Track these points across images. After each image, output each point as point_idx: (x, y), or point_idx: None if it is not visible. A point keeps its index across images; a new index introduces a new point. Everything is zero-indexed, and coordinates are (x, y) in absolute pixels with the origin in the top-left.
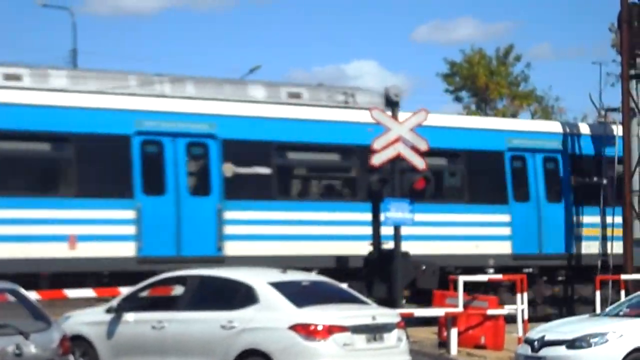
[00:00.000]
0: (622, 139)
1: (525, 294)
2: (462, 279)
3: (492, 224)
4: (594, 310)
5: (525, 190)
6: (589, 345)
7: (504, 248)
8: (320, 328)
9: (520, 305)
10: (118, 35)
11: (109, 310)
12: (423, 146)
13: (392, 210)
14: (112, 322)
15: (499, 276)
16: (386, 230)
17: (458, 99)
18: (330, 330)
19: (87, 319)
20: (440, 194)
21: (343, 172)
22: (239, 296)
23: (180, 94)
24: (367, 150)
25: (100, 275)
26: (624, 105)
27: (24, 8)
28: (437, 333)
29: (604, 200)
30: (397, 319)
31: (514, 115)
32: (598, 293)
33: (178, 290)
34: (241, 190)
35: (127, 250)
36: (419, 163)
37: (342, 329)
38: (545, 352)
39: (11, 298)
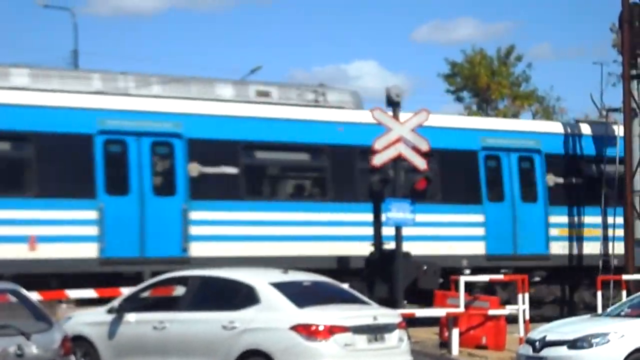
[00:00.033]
0: (624, 139)
1: (527, 294)
2: (463, 279)
3: (466, 224)
4: (595, 310)
5: (500, 190)
6: (591, 346)
7: (478, 249)
8: (321, 328)
9: (521, 306)
10: (118, 36)
11: (110, 311)
12: (424, 146)
13: (393, 211)
14: (113, 322)
15: (500, 276)
16: (364, 231)
17: (459, 100)
18: (331, 330)
19: (88, 320)
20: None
21: (313, 171)
22: (240, 296)
23: (145, 92)
24: (338, 150)
25: (63, 277)
26: (626, 106)
27: (25, 8)
28: (439, 333)
29: (583, 200)
30: (398, 319)
31: (515, 115)
32: (599, 293)
33: (179, 290)
34: (207, 190)
35: (89, 251)
36: (420, 163)
37: (343, 329)
38: (546, 352)
39: (12, 299)
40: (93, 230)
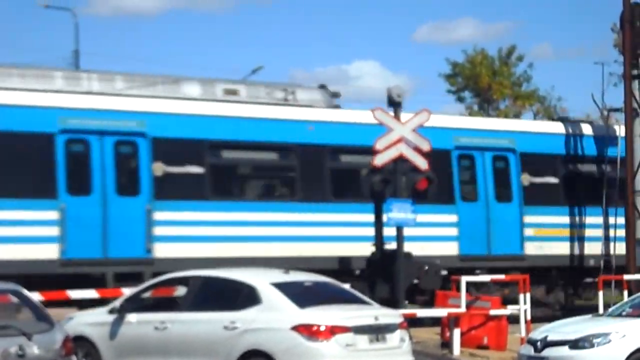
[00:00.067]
0: (625, 139)
1: (528, 294)
2: (464, 279)
3: (438, 224)
4: (597, 310)
5: (474, 189)
6: (592, 346)
7: (451, 249)
8: (322, 328)
9: (523, 306)
10: (119, 36)
11: (111, 311)
12: (425, 146)
13: (395, 211)
14: (114, 322)
15: (502, 276)
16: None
17: (460, 100)
18: (332, 330)
19: (89, 320)
20: None
21: (282, 171)
22: (242, 297)
23: (109, 90)
24: (308, 149)
25: (24, 279)
26: (627, 106)
27: (25, 8)
28: (440, 333)
29: (560, 200)
30: (399, 320)
31: (516, 115)
32: (601, 293)
33: (181, 291)
34: (172, 190)
35: (50, 252)
36: (422, 163)
37: (345, 329)
38: (548, 352)
39: (14, 299)
40: (54, 231)
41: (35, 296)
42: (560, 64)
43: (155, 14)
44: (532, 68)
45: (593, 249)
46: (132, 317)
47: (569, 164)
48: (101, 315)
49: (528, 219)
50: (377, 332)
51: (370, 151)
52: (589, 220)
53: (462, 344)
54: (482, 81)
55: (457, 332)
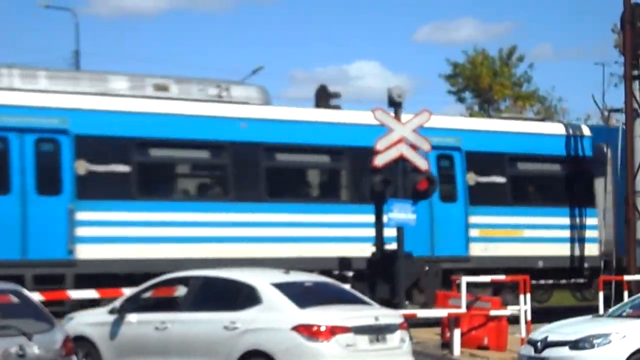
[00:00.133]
0: (625, 139)
1: (528, 295)
2: (465, 279)
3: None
4: (597, 310)
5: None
6: (592, 346)
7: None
8: (323, 329)
9: (523, 306)
10: (119, 36)
11: (112, 311)
12: (426, 147)
13: (395, 211)
14: (115, 323)
15: (502, 277)
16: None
17: (461, 100)
18: (332, 331)
19: (90, 320)
20: (322, 193)
21: (213, 170)
22: (242, 297)
23: (31, 87)
24: (241, 147)
25: None
26: (627, 106)
27: (26, 8)
28: (440, 334)
29: (509, 200)
30: (399, 320)
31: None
32: (601, 294)
33: (181, 291)
34: (96, 190)
35: None
36: (422, 164)
37: (345, 329)
38: (548, 353)
39: (14, 299)
40: None
41: (35, 296)
42: (561, 65)
43: (155, 14)
44: (533, 68)
45: (543, 250)
46: (132, 317)
47: (519, 163)
48: (101, 315)
49: (474, 219)
50: (377, 332)
51: (307, 149)
52: (542, 220)
53: (463, 345)
54: (482, 82)
55: (457, 333)
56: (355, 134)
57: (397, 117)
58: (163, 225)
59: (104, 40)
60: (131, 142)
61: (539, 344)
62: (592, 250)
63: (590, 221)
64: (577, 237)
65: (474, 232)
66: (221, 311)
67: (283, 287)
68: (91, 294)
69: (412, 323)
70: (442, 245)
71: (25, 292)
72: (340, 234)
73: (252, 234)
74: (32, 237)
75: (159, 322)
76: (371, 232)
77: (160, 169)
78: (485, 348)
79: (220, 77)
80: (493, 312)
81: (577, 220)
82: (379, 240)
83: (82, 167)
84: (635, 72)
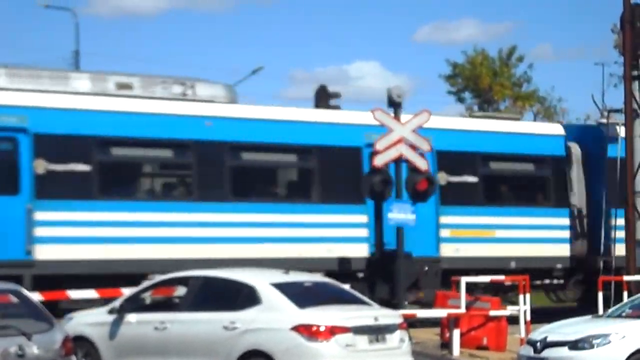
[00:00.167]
0: (625, 139)
1: (528, 295)
2: (464, 280)
3: (348, 224)
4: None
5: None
6: (592, 347)
7: (361, 251)
8: (322, 329)
9: (522, 307)
10: (119, 36)
11: (111, 311)
12: (425, 147)
13: (395, 211)
14: (114, 323)
15: (502, 277)
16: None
17: (461, 100)
18: (332, 331)
19: (89, 320)
20: (289, 193)
21: (177, 169)
22: (242, 297)
23: None
24: (205, 146)
25: None
26: (627, 106)
27: (26, 8)
28: (440, 334)
29: (481, 199)
30: (399, 320)
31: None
32: (601, 294)
33: (180, 291)
34: (56, 189)
35: None
36: (422, 164)
37: (345, 329)
38: (547, 353)
39: (14, 299)
40: None
41: (35, 296)
42: (561, 65)
43: (155, 14)
44: (532, 69)
45: (515, 250)
46: (131, 317)
47: (491, 163)
48: (101, 315)
49: (445, 219)
50: (376, 332)
51: (275, 148)
52: (514, 220)
53: (462, 345)
54: (482, 82)
55: (456, 333)
56: (324, 132)
57: (396, 117)
58: (125, 225)
59: (104, 40)
60: (92, 141)
61: (538, 344)
62: (564, 250)
63: (562, 221)
64: (550, 237)
65: (444, 233)
66: (221, 311)
67: (283, 287)
68: (91, 293)
69: (411, 323)
70: (413, 244)
71: (25, 292)
72: (308, 234)
73: (216, 234)
74: None
75: (158, 322)
76: (340, 233)
77: (122, 169)
78: (485, 348)
79: (220, 77)
80: (492, 313)
81: (550, 220)
82: (379, 240)
83: (41, 166)
84: (635, 73)
